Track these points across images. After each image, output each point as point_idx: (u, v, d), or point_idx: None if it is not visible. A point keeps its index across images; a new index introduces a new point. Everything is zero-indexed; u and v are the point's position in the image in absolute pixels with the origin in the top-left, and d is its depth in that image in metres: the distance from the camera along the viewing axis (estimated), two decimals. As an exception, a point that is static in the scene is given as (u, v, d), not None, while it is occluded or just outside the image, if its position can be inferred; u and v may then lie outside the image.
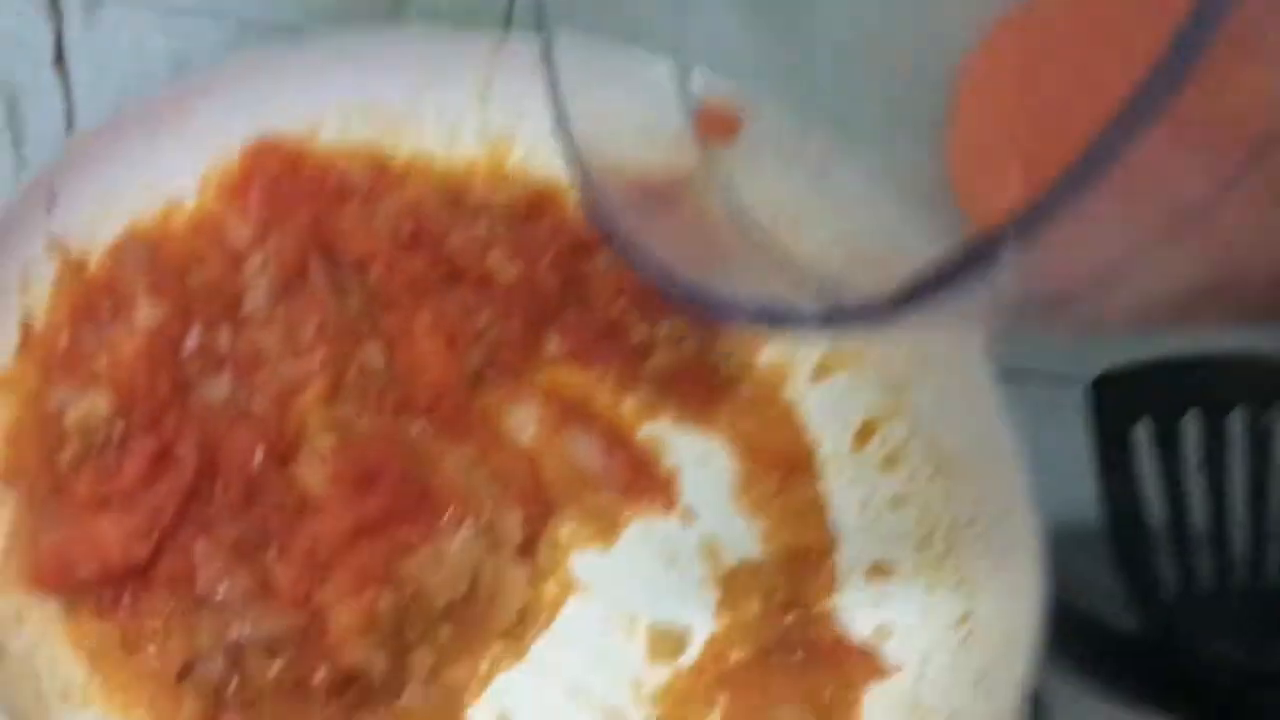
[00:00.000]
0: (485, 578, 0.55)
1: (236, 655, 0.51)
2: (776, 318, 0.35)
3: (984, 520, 0.58)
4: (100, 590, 0.52)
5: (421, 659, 0.53)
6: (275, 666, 0.51)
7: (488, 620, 0.55)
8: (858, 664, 0.57)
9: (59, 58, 0.67)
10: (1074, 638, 0.57)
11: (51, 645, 0.51)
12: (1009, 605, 0.55)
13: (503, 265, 0.62)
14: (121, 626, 0.52)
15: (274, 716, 0.51)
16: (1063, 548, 0.55)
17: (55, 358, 0.56)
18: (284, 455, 0.56)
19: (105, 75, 0.68)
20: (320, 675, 0.51)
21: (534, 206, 0.66)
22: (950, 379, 0.60)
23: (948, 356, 0.60)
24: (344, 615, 0.52)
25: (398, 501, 0.55)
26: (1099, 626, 0.63)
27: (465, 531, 0.55)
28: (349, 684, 0.52)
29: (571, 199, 0.67)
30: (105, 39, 0.67)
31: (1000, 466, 0.58)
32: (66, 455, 0.54)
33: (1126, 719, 0.61)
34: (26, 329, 0.56)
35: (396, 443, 0.57)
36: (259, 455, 0.55)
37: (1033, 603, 0.53)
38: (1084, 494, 0.65)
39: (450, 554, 0.54)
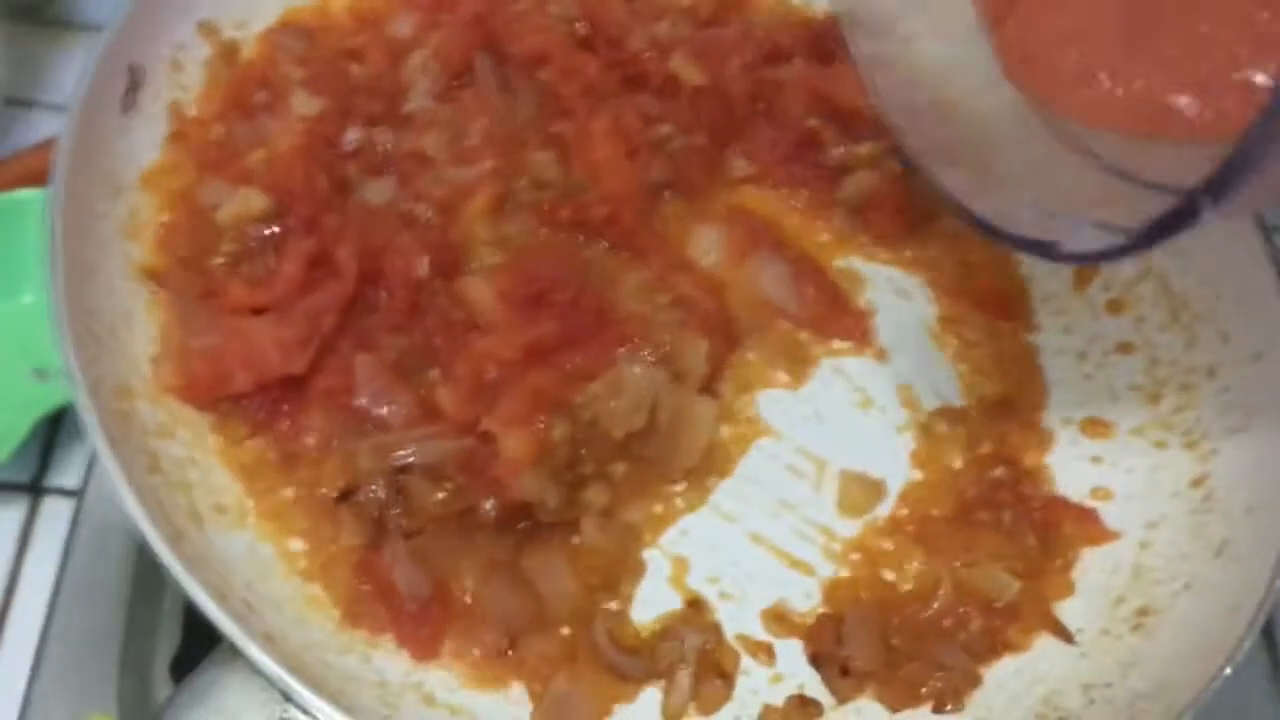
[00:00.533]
0: (666, 412, 0.49)
1: (399, 481, 0.47)
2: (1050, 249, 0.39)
3: (1228, 371, 0.51)
4: (254, 403, 0.48)
5: (596, 496, 0.48)
6: (440, 495, 0.46)
7: (668, 459, 0.50)
8: (1073, 526, 0.51)
9: None
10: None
11: (205, 459, 0.47)
12: (1256, 468, 0.49)
13: (687, 70, 0.56)
14: (276, 443, 0.48)
15: (439, 547, 0.47)
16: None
17: (208, 150, 0.51)
18: (450, 268, 0.51)
19: None
20: (488, 506, 0.46)
21: (721, 8, 0.59)
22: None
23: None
24: (513, 443, 0.47)
25: (571, 324, 0.50)
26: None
27: (645, 360, 0.50)
28: (518, 517, 0.47)
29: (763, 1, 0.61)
30: None
31: (1254, 310, 0.51)
32: (219, 256, 0.49)
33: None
34: (178, 113, 0.51)
35: (570, 261, 0.52)
36: (423, 266, 0.50)
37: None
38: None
39: (628, 383, 0.48)
